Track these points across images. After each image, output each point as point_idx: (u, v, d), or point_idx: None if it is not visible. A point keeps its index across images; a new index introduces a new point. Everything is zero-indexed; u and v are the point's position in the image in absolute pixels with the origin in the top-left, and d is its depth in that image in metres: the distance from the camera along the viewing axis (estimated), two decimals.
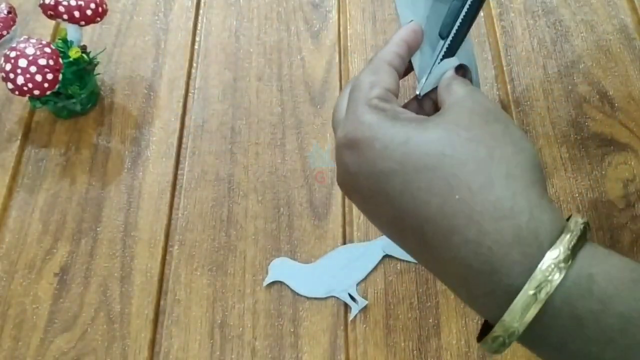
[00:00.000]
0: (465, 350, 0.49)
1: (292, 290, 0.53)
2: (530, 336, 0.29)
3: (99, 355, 0.50)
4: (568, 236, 0.28)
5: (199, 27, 0.70)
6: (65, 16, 0.59)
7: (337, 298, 0.52)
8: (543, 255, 0.28)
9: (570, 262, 0.28)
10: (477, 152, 0.30)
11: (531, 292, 0.27)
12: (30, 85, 0.56)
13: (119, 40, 0.68)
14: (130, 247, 0.55)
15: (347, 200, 0.57)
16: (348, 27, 0.68)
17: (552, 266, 0.27)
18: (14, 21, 0.61)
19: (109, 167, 0.60)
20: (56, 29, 0.69)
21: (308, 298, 0.52)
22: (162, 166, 0.60)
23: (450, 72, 0.37)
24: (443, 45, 0.39)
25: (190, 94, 0.65)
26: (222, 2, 0.71)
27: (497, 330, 0.29)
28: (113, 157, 0.61)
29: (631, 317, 0.27)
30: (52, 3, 0.59)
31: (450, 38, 0.39)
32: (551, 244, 0.28)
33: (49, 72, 0.56)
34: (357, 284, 0.53)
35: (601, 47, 0.66)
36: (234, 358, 0.50)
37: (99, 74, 0.64)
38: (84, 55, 0.60)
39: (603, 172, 0.58)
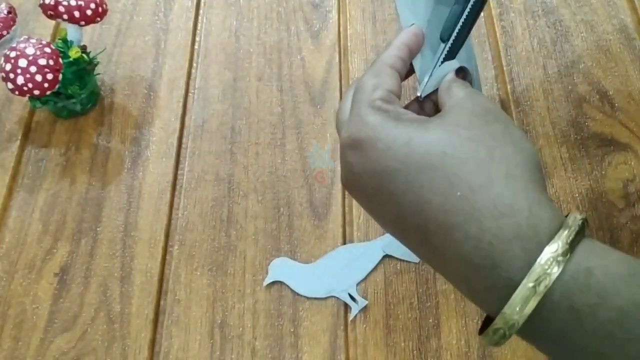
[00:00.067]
0: (465, 350, 0.49)
1: (292, 290, 0.53)
2: (530, 329, 0.29)
3: (99, 355, 0.50)
4: (566, 232, 0.29)
5: (199, 27, 0.70)
6: (65, 16, 0.59)
7: (337, 298, 0.52)
8: (542, 250, 0.28)
9: (568, 256, 0.28)
10: (478, 152, 0.31)
11: (530, 285, 0.28)
12: (30, 85, 0.56)
13: (119, 40, 0.68)
14: (130, 247, 0.55)
15: (347, 200, 0.57)
16: (348, 27, 0.68)
17: (551, 260, 0.28)
18: (14, 21, 0.61)
19: (109, 167, 0.60)
20: (56, 29, 0.69)
21: (308, 298, 0.52)
22: (162, 166, 0.60)
23: (451, 75, 0.38)
24: (444, 48, 0.39)
25: (190, 94, 0.65)
26: (222, 2, 0.71)
27: (498, 322, 0.29)
28: (113, 157, 0.61)
29: (629, 310, 0.27)
30: (52, 3, 0.59)
31: (451, 41, 0.39)
32: (550, 239, 0.29)
33: (49, 72, 0.56)
34: (357, 284, 0.53)
35: (601, 47, 0.66)
36: (234, 358, 0.50)
37: (99, 74, 0.64)
38: (84, 55, 0.60)
39: (603, 172, 0.58)
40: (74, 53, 0.59)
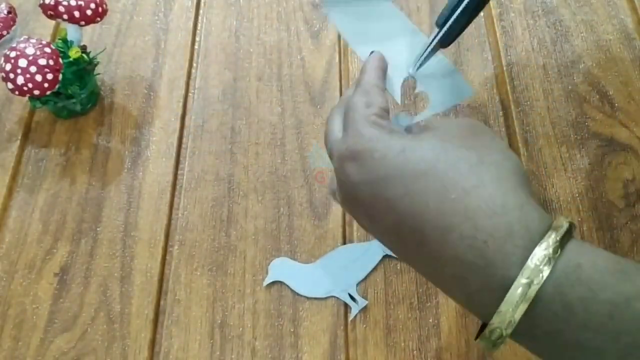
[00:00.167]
0: (465, 350, 0.49)
1: (292, 290, 0.53)
2: (525, 326, 0.30)
3: (99, 355, 0.50)
4: (557, 231, 0.30)
5: (199, 27, 0.70)
6: (65, 16, 0.59)
7: (337, 298, 0.52)
8: (534, 247, 0.30)
9: (559, 252, 0.30)
10: (469, 157, 0.33)
11: (524, 281, 0.29)
12: (30, 85, 0.56)
13: (119, 40, 0.68)
14: (130, 247, 0.55)
15: None
16: None
17: (543, 257, 0.29)
18: (14, 21, 0.61)
19: (109, 167, 0.60)
20: (56, 29, 0.69)
21: (308, 298, 0.52)
22: (162, 166, 0.60)
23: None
24: (437, 33, 0.42)
25: (190, 94, 0.65)
26: (222, 2, 0.71)
27: (495, 321, 0.30)
28: (113, 157, 0.61)
29: (618, 303, 0.29)
30: (52, 3, 0.59)
31: (445, 28, 0.42)
32: (541, 237, 0.30)
33: (49, 72, 0.56)
34: (357, 284, 0.53)
35: (601, 47, 0.66)
36: (234, 358, 0.50)
37: (99, 74, 0.64)
38: (84, 55, 0.60)
39: (603, 172, 0.58)
40: (74, 53, 0.59)
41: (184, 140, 0.62)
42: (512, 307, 0.29)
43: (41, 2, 0.60)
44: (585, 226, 0.55)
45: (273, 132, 0.61)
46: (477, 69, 0.65)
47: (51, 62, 0.56)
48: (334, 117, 0.40)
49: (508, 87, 0.64)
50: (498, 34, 0.67)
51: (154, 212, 0.57)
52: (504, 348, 0.49)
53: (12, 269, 0.55)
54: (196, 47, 0.68)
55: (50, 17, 0.60)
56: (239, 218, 0.57)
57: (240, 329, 0.51)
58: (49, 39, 0.68)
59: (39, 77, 0.56)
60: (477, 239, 0.31)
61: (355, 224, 0.56)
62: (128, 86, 0.65)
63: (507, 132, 0.61)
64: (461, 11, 0.42)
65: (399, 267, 0.53)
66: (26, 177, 0.60)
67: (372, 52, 0.42)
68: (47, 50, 0.56)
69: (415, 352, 0.50)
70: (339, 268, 0.53)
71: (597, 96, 0.62)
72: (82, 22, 0.60)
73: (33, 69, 0.55)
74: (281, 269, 0.53)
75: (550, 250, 0.29)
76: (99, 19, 0.61)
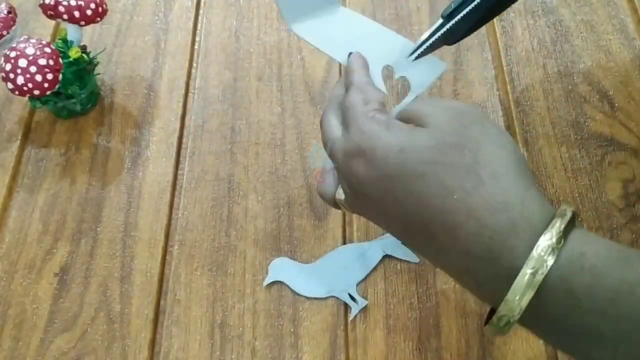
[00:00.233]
0: (465, 350, 0.49)
1: (292, 290, 0.53)
2: (531, 313, 0.31)
3: (99, 355, 0.50)
4: (559, 221, 0.31)
5: (199, 27, 0.70)
6: (65, 16, 0.59)
7: (337, 298, 0.52)
8: (538, 239, 0.31)
9: (562, 242, 0.31)
10: (464, 157, 0.34)
11: (529, 271, 0.30)
12: (30, 85, 0.56)
13: (119, 40, 0.68)
14: (130, 247, 0.55)
15: None
16: None
17: (547, 248, 0.31)
18: (14, 21, 0.61)
19: (109, 167, 0.60)
20: (56, 29, 0.69)
21: (308, 298, 0.52)
22: (162, 166, 0.60)
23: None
24: (441, 24, 0.43)
25: (190, 94, 0.65)
26: (222, 2, 0.71)
27: (502, 309, 0.31)
28: (113, 157, 0.61)
29: (621, 289, 0.30)
30: (52, 3, 0.59)
31: (452, 22, 0.42)
32: (544, 228, 0.31)
33: (49, 72, 0.56)
34: (357, 284, 0.53)
35: (601, 47, 0.66)
36: (234, 358, 0.50)
37: (99, 74, 0.64)
38: (84, 55, 0.60)
39: (603, 172, 0.58)
40: (74, 53, 0.59)
41: (184, 140, 0.62)
42: (518, 296, 0.31)
43: (41, 2, 0.60)
44: (585, 226, 0.55)
45: (273, 132, 0.61)
46: (477, 69, 0.65)
47: (51, 62, 0.56)
48: (330, 117, 0.41)
49: (508, 87, 0.64)
50: (498, 34, 0.67)
51: (154, 212, 0.57)
52: (504, 348, 0.49)
53: (12, 269, 0.55)
54: (196, 47, 0.68)
55: (50, 17, 0.60)
56: (239, 218, 0.57)
57: (240, 329, 0.51)
58: (49, 39, 0.68)
59: (39, 77, 0.56)
60: (482, 235, 0.32)
61: (355, 224, 0.56)
62: (128, 86, 0.65)
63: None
64: (472, 9, 0.42)
65: (399, 267, 0.53)
66: (26, 177, 0.60)
67: (350, 54, 0.44)
68: (47, 50, 0.56)
69: (415, 352, 0.50)
70: (339, 268, 0.53)
71: (597, 96, 0.62)
72: (82, 22, 0.60)
73: (33, 69, 0.55)
74: (281, 269, 0.53)
75: (554, 240, 0.31)
76: (99, 19, 0.61)
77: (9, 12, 0.61)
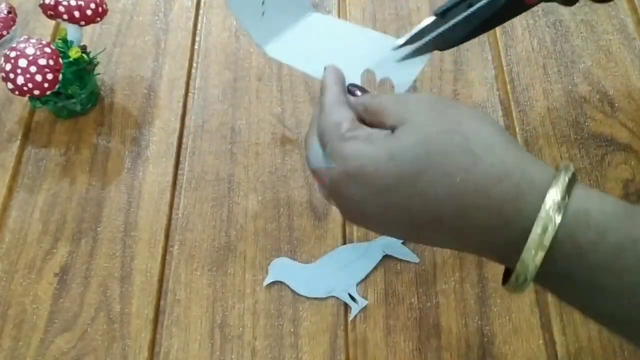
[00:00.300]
0: (465, 351, 0.49)
1: (292, 290, 0.53)
2: (543, 270, 0.33)
3: (99, 355, 0.50)
4: (561, 179, 0.33)
5: (199, 27, 0.70)
6: (65, 16, 0.59)
7: (337, 298, 0.52)
8: (543, 198, 0.32)
9: (567, 200, 0.32)
10: (453, 139, 0.34)
11: (539, 231, 0.32)
12: (30, 85, 0.56)
13: (119, 40, 0.68)
14: (130, 247, 0.55)
15: None
16: None
17: (553, 206, 0.32)
18: (14, 21, 0.61)
19: (109, 167, 0.60)
20: (56, 29, 0.69)
21: (308, 298, 0.52)
22: (162, 166, 0.60)
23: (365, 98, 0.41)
24: (434, 23, 0.42)
25: (190, 94, 0.65)
26: (222, 2, 0.71)
27: (519, 268, 0.33)
28: (113, 157, 0.61)
29: (625, 245, 0.31)
30: (52, 3, 0.59)
31: (448, 26, 0.41)
32: (548, 186, 0.33)
33: (49, 72, 0.56)
34: (357, 284, 0.53)
35: (601, 47, 0.66)
36: (234, 358, 0.50)
37: (99, 74, 0.64)
38: (84, 55, 0.60)
39: (603, 172, 0.58)
40: (74, 53, 0.59)
41: (184, 140, 0.62)
42: (531, 255, 0.32)
43: (41, 2, 0.60)
44: None
45: (273, 132, 0.61)
46: (477, 69, 0.65)
47: (51, 62, 0.56)
48: (311, 144, 0.41)
49: (508, 87, 0.64)
50: (498, 34, 0.67)
51: (154, 212, 0.57)
52: (504, 348, 0.49)
53: (12, 269, 0.55)
54: (196, 47, 0.68)
55: (50, 17, 0.60)
56: (239, 218, 0.57)
57: (240, 329, 0.51)
58: (49, 39, 0.68)
59: (39, 77, 0.56)
60: (492, 207, 0.33)
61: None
62: (128, 86, 0.65)
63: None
64: (469, 15, 0.41)
65: (399, 267, 0.53)
66: (26, 177, 0.60)
67: (325, 68, 0.43)
68: (47, 50, 0.56)
69: (415, 352, 0.50)
70: (339, 268, 0.53)
71: (597, 96, 0.62)
72: (82, 22, 0.60)
73: (33, 69, 0.55)
74: (281, 269, 0.53)
75: (559, 197, 0.32)
76: (99, 19, 0.61)
77: (9, 12, 0.61)
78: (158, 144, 0.61)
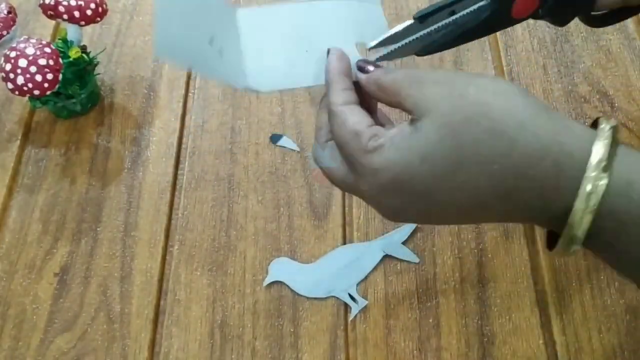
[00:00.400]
0: (465, 350, 0.49)
1: (292, 290, 0.53)
2: (588, 240, 0.33)
3: (99, 355, 0.50)
4: (600, 145, 0.32)
5: None
6: (65, 16, 0.59)
7: (337, 298, 0.52)
8: (584, 172, 0.32)
9: (609, 171, 0.32)
10: (480, 125, 0.33)
11: (582, 206, 0.32)
12: (30, 85, 0.56)
13: (119, 40, 0.68)
14: (130, 247, 0.55)
15: (347, 200, 0.57)
16: None
17: (594, 180, 0.32)
18: (14, 21, 0.61)
19: (109, 167, 0.60)
20: (56, 29, 0.69)
21: (308, 298, 0.52)
22: (162, 166, 0.60)
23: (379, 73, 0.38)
24: (411, 27, 0.40)
25: (190, 94, 0.65)
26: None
27: (564, 237, 0.33)
28: (113, 157, 0.61)
29: None
30: (52, 3, 0.59)
31: (430, 29, 0.39)
32: (587, 157, 0.32)
33: (49, 72, 0.56)
34: (357, 284, 0.53)
35: (601, 47, 0.66)
36: (234, 358, 0.50)
37: (99, 74, 0.64)
38: (84, 55, 0.60)
39: None
40: (74, 53, 0.59)
41: (184, 140, 0.62)
42: (576, 228, 0.32)
43: (41, 2, 0.60)
44: None
45: (273, 132, 0.61)
46: (477, 69, 0.65)
47: (51, 62, 0.56)
48: (325, 154, 0.38)
49: None
50: (498, 34, 0.67)
51: (154, 212, 0.57)
52: (504, 348, 0.49)
53: (12, 269, 0.55)
54: None
55: (50, 17, 0.60)
56: (239, 218, 0.57)
57: (240, 329, 0.51)
58: (49, 39, 0.68)
59: (39, 77, 0.56)
60: (534, 188, 0.33)
61: (355, 224, 0.56)
62: (128, 86, 0.65)
63: None
64: (448, 23, 0.39)
65: (399, 267, 0.53)
66: (26, 177, 0.60)
67: (328, 51, 0.39)
68: (47, 50, 0.56)
69: (415, 352, 0.50)
70: (339, 268, 0.53)
71: (597, 96, 0.62)
72: (82, 22, 0.60)
73: (33, 69, 0.55)
74: (281, 269, 0.53)
75: (600, 170, 0.31)
76: (99, 19, 0.61)
77: (9, 12, 0.61)
78: (158, 144, 0.61)
